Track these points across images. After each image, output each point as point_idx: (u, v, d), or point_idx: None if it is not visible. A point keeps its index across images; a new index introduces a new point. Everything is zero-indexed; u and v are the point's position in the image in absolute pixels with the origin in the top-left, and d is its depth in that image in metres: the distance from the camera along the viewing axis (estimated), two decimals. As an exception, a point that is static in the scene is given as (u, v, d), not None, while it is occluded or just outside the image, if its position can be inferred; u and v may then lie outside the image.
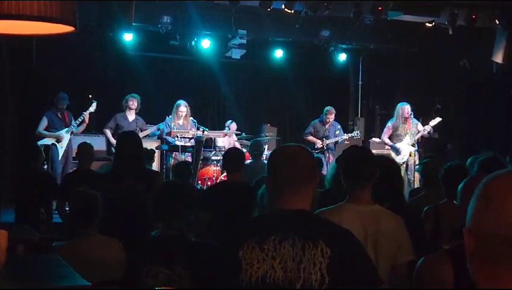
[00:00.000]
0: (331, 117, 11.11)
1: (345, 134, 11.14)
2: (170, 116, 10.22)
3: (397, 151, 10.40)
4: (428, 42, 11.44)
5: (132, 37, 10.73)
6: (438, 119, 10.48)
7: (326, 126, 11.14)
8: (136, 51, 11.51)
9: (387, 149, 11.06)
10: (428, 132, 10.35)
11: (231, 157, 5.82)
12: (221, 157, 10.23)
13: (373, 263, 2.34)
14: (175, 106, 10.22)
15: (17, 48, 9.55)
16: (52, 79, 10.81)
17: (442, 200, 4.58)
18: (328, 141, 11.04)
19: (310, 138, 11.14)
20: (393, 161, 4.74)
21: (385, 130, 10.64)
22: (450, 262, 2.31)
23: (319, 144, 11.01)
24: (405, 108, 10.24)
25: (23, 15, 2.71)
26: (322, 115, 11.20)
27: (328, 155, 10.77)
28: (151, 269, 3.15)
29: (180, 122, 10.11)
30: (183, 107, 10.14)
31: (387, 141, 10.54)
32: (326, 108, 11.15)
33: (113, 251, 3.85)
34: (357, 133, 11.40)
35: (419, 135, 10.36)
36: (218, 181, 9.28)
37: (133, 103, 10.18)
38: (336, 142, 11.16)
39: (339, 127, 11.25)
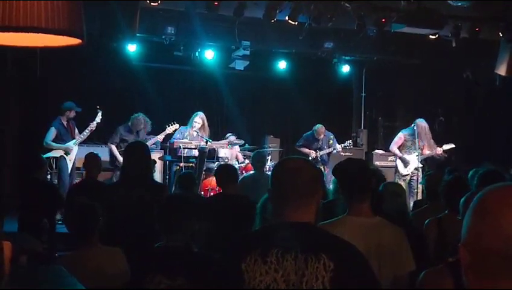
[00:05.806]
0: (321, 136, 11.13)
1: (338, 145, 11.14)
2: (186, 126, 10.22)
3: (406, 163, 10.37)
4: (431, 54, 11.45)
5: (136, 48, 10.75)
6: (451, 145, 10.47)
7: (319, 139, 11.18)
8: (140, 62, 11.53)
9: (391, 161, 11.03)
10: (437, 154, 10.37)
11: (222, 172, 6.08)
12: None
13: (376, 276, 2.34)
14: (193, 116, 10.26)
15: (22, 57, 9.58)
16: (55, 89, 10.81)
17: (444, 212, 4.58)
18: (321, 152, 11.03)
19: (303, 149, 11.13)
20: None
21: (396, 140, 10.59)
22: (452, 275, 2.31)
23: (312, 154, 10.99)
24: (424, 126, 10.29)
25: (31, 27, 2.71)
26: (312, 131, 11.22)
27: (323, 167, 10.74)
28: (153, 278, 3.16)
29: (194, 133, 10.10)
30: (198, 118, 10.17)
31: (397, 151, 10.49)
32: (316, 127, 11.17)
33: (115, 261, 3.86)
34: (349, 143, 11.37)
35: (429, 155, 10.36)
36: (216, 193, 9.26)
37: (139, 125, 10.06)
38: (330, 153, 11.15)
39: (332, 136, 11.26)
